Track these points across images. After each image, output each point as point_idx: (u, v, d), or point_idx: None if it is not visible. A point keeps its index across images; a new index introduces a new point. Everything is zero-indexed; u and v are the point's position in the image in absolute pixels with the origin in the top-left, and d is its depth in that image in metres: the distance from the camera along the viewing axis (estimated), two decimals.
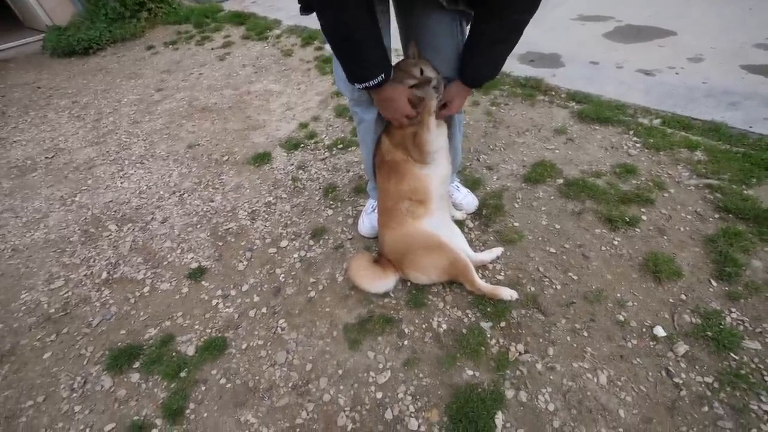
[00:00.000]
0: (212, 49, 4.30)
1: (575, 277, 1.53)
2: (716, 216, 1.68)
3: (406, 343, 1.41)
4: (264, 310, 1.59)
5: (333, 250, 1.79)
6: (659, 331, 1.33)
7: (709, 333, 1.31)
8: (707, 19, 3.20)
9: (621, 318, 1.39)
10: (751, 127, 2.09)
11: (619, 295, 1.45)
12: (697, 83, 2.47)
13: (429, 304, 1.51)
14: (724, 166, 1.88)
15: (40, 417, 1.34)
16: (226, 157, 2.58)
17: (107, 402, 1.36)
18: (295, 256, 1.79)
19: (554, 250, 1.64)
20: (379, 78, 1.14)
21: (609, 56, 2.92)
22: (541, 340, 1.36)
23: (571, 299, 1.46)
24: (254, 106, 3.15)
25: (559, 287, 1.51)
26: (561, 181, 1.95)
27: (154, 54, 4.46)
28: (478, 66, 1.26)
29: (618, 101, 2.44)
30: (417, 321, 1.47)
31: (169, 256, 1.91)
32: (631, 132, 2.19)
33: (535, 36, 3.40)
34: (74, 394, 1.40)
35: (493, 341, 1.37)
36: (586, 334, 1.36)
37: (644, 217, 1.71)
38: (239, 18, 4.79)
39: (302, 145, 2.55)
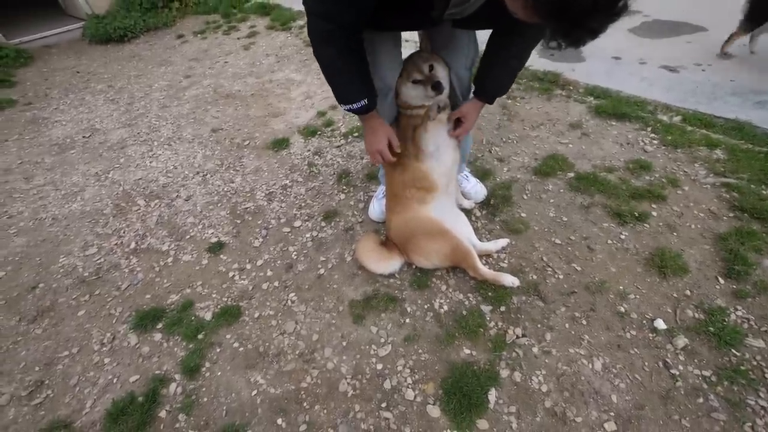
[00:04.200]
0: (238, 38, 4.42)
1: (578, 268, 1.54)
2: (730, 215, 1.65)
3: (407, 320, 1.46)
4: (276, 283, 1.68)
5: (343, 231, 1.86)
6: (660, 324, 1.34)
7: (712, 329, 1.31)
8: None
9: (622, 309, 1.40)
10: None
11: (621, 287, 1.46)
12: (724, 81, 2.39)
13: (432, 286, 1.56)
14: (744, 165, 1.84)
15: (74, 366, 1.47)
16: (247, 142, 2.68)
17: (132, 357, 1.48)
18: (308, 236, 1.87)
19: (559, 242, 1.65)
20: (361, 103, 1.18)
21: (632, 51, 2.85)
22: (539, 326, 1.39)
23: (573, 289, 1.48)
24: (275, 94, 3.24)
25: (561, 277, 1.53)
26: (572, 174, 1.95)
27: (184, 42, 4.62)
28: (494, 80, 1.28)
29: (638, 97, 2.39)
30: (419, 301, 1.52)
31: (191, 230, 2.02)
32: (649, 128, 2.16)
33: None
34: (104, 348, 1.52)
35: (492, 324, 1.41)
36: (584, 322, 1.38)
37: (654, 213, 1.69)
38: (265, 9, 4.89)
39: (319, 132, 2.62)
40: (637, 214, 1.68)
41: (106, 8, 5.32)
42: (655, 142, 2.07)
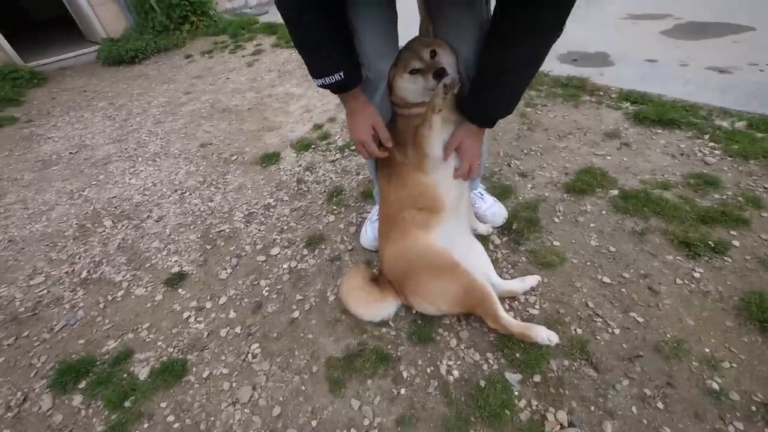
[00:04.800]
0: (243, 56, 4.22)
1: (640, 320, 1.09)
2: None
3: (403, 392, 1.02)
4: (238, 329, 1.27)
5: (328, 262, 1.46)
6: None
7: None
8: None
9: (714, 385, 0.93)
10: None
11: (707, 350, 1.00)
12: None
13: (438, 341, 1.13)
14: None
15: None
16: (235, 157, 2.35)
17: (38, 429, 1.09)
18: (285, 266, 1.47)
19: (609, 280, 1.20)
20: (336, 77, 0.93)
21: (669, 54, 2.43)
22: (593, 408, 0.93)
23: (636, 351, 1.02)
24: (273, 108, 2.95)
25: (617, 331, 1.07)
26: (616, 192, 1.51)
27: (191, 62, 4.46)
28: (489, 100, 0.95)
29: (685, 101, 1.95)
30: (420, 362, 1.08)
31: (153, 257, 1.66)
32: (706, 136, 1.71)
33: (577, 35, 2.97)
34: (8, 414, 1.13)
35: (523, 402, 0.96)
36: (661, 405, 0.91)
37: (736, 243, 1.23)
38: (271, 28, 4.74)
39: (313, 146, 2.27)
40: (712, 244, 1.22)
41: (121, 32, 5.29)
42: (717, 152, 1.62)
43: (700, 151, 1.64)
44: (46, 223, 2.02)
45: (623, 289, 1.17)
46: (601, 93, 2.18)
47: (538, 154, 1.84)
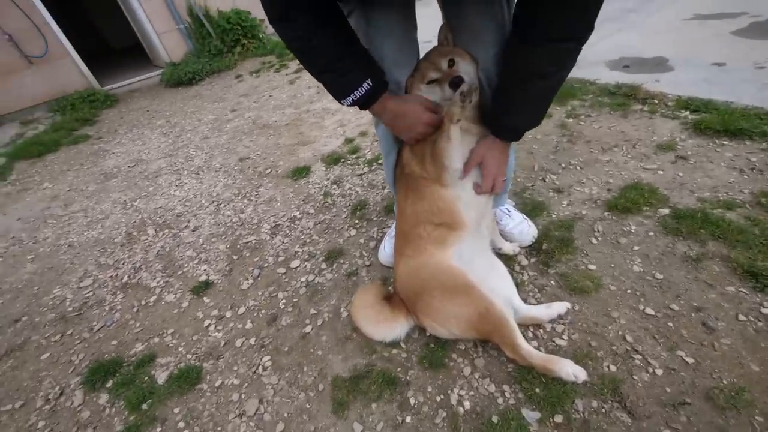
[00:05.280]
0: (286, 75, 4.49)
1: (690, 360, 0.95)
2: None
3: (408, 420, 0.98)
4: (252, 341, 1.31)
5: (345, 277, 1.46)
6: None
7: None
8: None
9: None
10: None
11: None
12: None
13: (451, 367, 1.07)
14: None
15: (9, 426, 1.22)
16: (269, 170, 2.47)
17: (68, 424, 1.19)
18: (303, 280, 1.50)
19: (653, 312, 1.07)
20: (364, 87, 0.90)
21: (741, 56, 2.19)
22: None
23: (683, 396, 0.89)
24: (309, 123, 3.08)
25: (659, 372, 0.94)
26: (667, 211, 1.36)
27: (240, 81, 4.83)
28: (512, 109, 0.91)
29: (760, 108, 1.73)
30: (430, 389, 1.03)
31: (186, 265, 1.78)
32: None
33: (631, 40, 2.78)
34: (46, 406, 1.26)
35: None
36: None
37: None
38: None
39: (343, 159, 2.33)
40: None
41: (182, 56, 5.88)
42: None
43: None
44: (101, 230, 2.26)
45: (670, 323, 1.03)
46: (656, 101, 2.00)
47: (578, 168, 1.72)
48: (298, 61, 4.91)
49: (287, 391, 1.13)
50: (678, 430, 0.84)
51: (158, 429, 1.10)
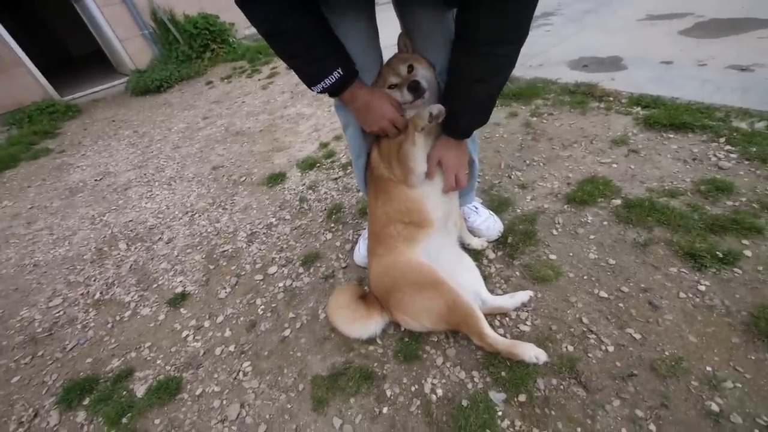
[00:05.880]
0: (259, 80, 4.49)
1: (637, 336, 1.06)
2: None
3: (385, 410, 1.05)
4: (232, 348, 1.35)
5: (322, 279, 1.52)
6: None
7: None
8: None
9: (714, 407, 0.89)
10: None
11: (709, 368, 0.96)
12: None
13: (424, 359, 1.15)
14: None
15: None
16: (244, 178, 2.50)
17: None
18: (281, 285, 1.55)
19: (606, 295, 1.18)
20: (335, 75, 0.93)
21: (687, 54, 2.38)
22: (579, 430, 0.91)
23: (631, 369, 0.99)
24: (283, 128, 3.12)
25: (611, 349, 1.05)
26: (619, 201, 1.48)
27: (211, 88, 4.79)
28: (459, 111, 0.99)
29: (701, 103, 1.90)
30: (405, 380, 1.11)
31: (160, 278, 1.79)
32: (722, 139, 1.65)
33: (589, 40, 2.96)
34: (20, 429, 1.25)
35: (506, 423, 0.95)
36: (653, 427, 0.89)
37: (748, 253, 1.18)
38: None
39: (318, 164, 2.38)
40: (721, 255, 1.18)
41: (147, 62, 5.76)
42: (734, 156, 1.56)
43: (715, 155, 1.59)
44: (68, 248, 2.22)
45: (621, 304, 1.15)
46: (611, 99, 2.16)
47: (541, 164, 1.84)
48: (270, 66, 4.88)
49: (268, 393, 1.17)
50: (626, 400, 0.94)
51: None
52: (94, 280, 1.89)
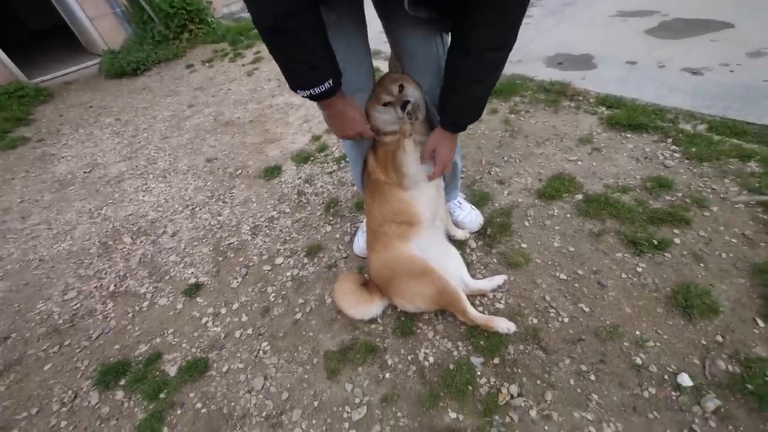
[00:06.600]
0: (243, 65, 4.50)
1: (587, 309, 1.35)
2: None
3: (387, 375, 1.31)
4: (250, 331, 1.57)
5: (326, 269, 1.74)
6: (685, 380, 1.12)
7: (750, 386, 1.08)
8: None
9: (638, 361, 1.19)
10: None
11: (638, 332, 1.25)
12: (756, 82, 2.15)
13: (417, 333, 1.40)
14: None
15: (31, 429, 1.40)
16: (240, 171, 2.64)
17: (91, 419, 1.39)
18: (288, 274, 1.76)
19: (565, 277, 1.46)
20: (326, 85, 0.97)
21: (650, 55, 2.64)
22: (538, 382, 1.20)
23: (580, 335, 1.28)
24: (274, 119, 3.23)
25: (566, 320, 1.33)
26: (580, 197, 1.75)
27: (192, 72, 4.76)
28: (456, 109, 1.16)
29: (656, 105, 2.18)
30: (402, 351, 1.36)
31: (172, 270, 1.96)
32: (670, 140, 1.94)
33: (566, 35, 3.18)
34: (63, 409, 1.45)
35: (483, 380, 1.23)
36: (593, 378, 1.18)
37: (677, 241, 1.48)
38: None
39: (312, 158, 2.55)
40: (656, 242, 1.47)
41: (120, 43, 5.59)
42: (677, 155, 1.85)
43: (662, 155, 1.87)
44: (71, 242, 2.34)
45: (576, 284, 1.43)
46: (581, 98, 2.41)
47: (517, 161, 2.09)
48: (253, 51, 4.87)
49: (287, 367, 1.41)
50: (575, 358, 1.23)
51: (179, 411, 1.35)
52: (105, 274, 2.04)
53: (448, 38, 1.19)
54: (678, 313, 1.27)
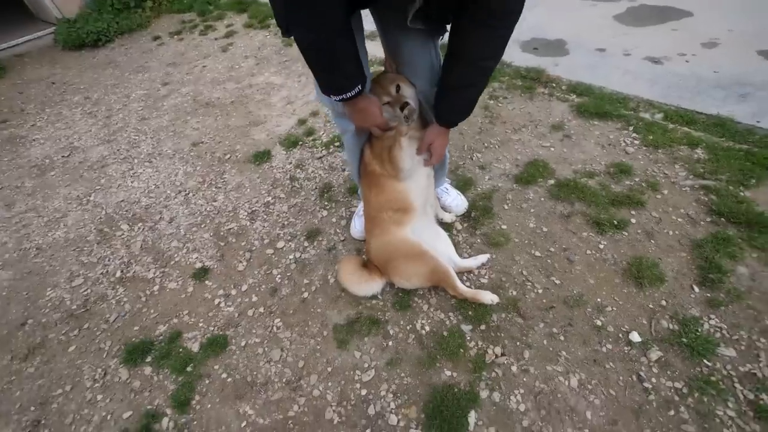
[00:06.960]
0: (215, 39, 4.34)
1: (557, 282, 1.59)
2: (708, 220, 1.69)
3: (390, 344, 1.52)
4: (261, 309, 1.73)
5: (326, 251, 1.90)
6: (635, 337, 1.40)
7: (685, 340, 1.36)
8: None
9: (598, 323, 1.45)
10: (759, 121, 2.04)
11: (599, 300, 1.52)
12: (707, 73, 2.39)
13: (414, 307, 1.61)
14: (724, 165, 1.87)
15: (69, 404, 1.54)
16: (228, 155, 2.68)
17: (125, 392, 1.54)
18: (291, 257, 1.91)
19: (539, 254, 1.70)
20: (356, 89, 1.11)
21: (617, 42, 2.83)
22: (518, 344, 1.45)
23: (551, 303, 1.53)
24: (255, 100, 3.22)
25: (540, 291, 1.58)
26: (552, 181, 1.97)
27: (160, 45, 4.54)
28: (451, 107, 1.31)
29: (620, 93, 2.39)
30: (402, 323, 1.57)
31: (176, 255, 2.06)
32: (631, 128, 2.17)
33: (541, 19, 3.31)
34: (96, 384, 1.58)
35: (472, 344, 1.47)
36: (562, 338, 1.44)
37: (633, 220, 1.73)
38: (241, 5, 4.79)
39: (301, 142, 2.63)
40: (616, 222, 1.72)
41: (76, 10, 5.17)
42: (637, 142, 2.09)
43: (624, 142, 2.11)
44: (66, 230, 2.36)
45: (549, 260, 1.67)
46: (554, 85, 2.59)
47: (496, 146, 2.27)
48: (225, 23, 4.69)
49: (300, 340, 1.59)
50: (547, 323, 1.48)
51: (207, 381, 1.52)
52: (108, 260, 2.11)
53: (440, 42, 1.32)
54: (632, 282, 1.54)
